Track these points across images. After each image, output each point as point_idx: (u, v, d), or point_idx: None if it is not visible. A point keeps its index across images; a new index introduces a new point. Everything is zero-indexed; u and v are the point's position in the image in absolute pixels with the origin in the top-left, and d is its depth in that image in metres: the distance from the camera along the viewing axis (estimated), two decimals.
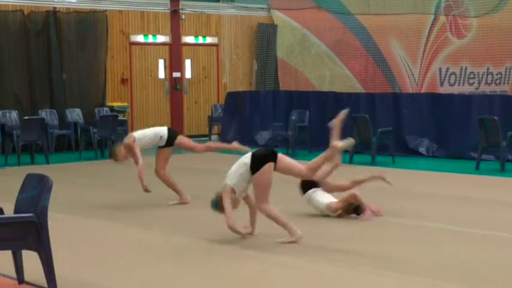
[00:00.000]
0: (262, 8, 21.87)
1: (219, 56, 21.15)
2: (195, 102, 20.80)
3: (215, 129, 19.92)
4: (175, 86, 20.29)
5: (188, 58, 20.70)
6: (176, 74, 20.33)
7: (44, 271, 6.09)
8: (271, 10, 21.89)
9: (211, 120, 19.66)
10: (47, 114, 17.26)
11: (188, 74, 20.71)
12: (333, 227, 8.84)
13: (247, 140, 18.37)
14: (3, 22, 17.21)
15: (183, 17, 20.50)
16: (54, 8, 18.05)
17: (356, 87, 20.63)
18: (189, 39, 20.72)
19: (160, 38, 20.18)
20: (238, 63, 21.46)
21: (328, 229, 8.69)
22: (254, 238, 8.11)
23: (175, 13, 20.32)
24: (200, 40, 20.95)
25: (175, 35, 20.37)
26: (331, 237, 8.22)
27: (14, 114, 16.83)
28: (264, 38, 21.60)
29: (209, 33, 21.07)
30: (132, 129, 19.33)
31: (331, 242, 7.96)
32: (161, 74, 20.20)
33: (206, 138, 19.21)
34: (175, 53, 20.35)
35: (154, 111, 19.92)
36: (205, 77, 21.05)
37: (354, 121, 15.06)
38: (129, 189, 11.24)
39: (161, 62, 20.19)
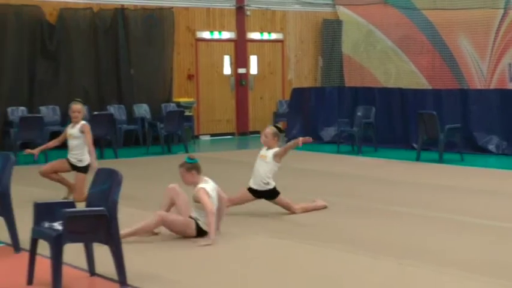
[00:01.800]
0: (328, 3, 21.80)
1: (284, 52, 21.17)
2: (260, 98, 20.86)
3: (280, 125, 19.88)
4: (241, 82, 20.39)
5: (253, 54, 20.77)
6: (241, 70, 20.43)
7: (114, 264, 6.22)
8: (337, 6, 21.81)
9: (276, 116, 19.70)
10: (116, 110, 17.55)
11: (253, 70, 20.79)
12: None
13: (312, 135, 18.35)
14: (73, 20, 17.56)
15: (248, 13, 20.58)
16: (122, 5, 18.33)
17: (422, 83, 20.39)
18: (254, 35, 20.79)
19: (226, 35, 20.30)
20: (304, 59, 21.44)
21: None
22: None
23: (240, 9, 20.41)
24: (265, 36, 21.00)
25: (241, 31, 20.46)
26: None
27: (84, 110, 17.12)
28: (329, 34, 21.53)
29: (274, 30, 21.10)
30: (199, 125, 19.57)
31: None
32: (227, 70, 20.33)
33: None
34: (240, 49, 20.45)
35: (220, 107, 20.06)
36: (271, 73, 21.10)
37: (421, 118, 14.90)
38: None
39: (227, 58, 20.31)
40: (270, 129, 9.32)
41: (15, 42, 16.78)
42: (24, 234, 6.94)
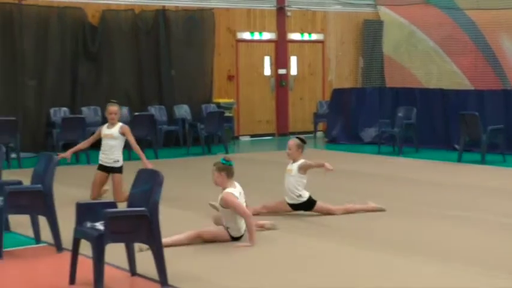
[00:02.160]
0: (369, 4, 21.69)
1: (324, 53, 21.11)
2: (300, 99, 20.83)
3: (320, 126, 19.90)
4: (281, 83, 20.38)
5: (294, 55, 20.74)
6: (282, 71, 20.42)
7: (155, 264, 6.25)
8: (378, 6, 21.69)
9: (317, 117, 19.65)
10: (156, 111, 17.66)
11: (294, 71, 20.76)
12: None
13: (352, 136, 18.36)
14: (115, 21, 17.71)
15: (289, 14, 20.56)
16: (164, 6, 18.43)
17: (465, 84, 20.18)
18: (295, 36, 20.77)
19: (266, 35, 20.31)
20: (344, 60, 21.35)
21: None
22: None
23: (281, 10, 20.40)
24: (306, 37, 20.97)
25: (281, 32, 20.46)
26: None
27: (125, 111, 17.26)
28: (370, 34, 21.41)
29: (315, 30, 21.06)
30: (239, 126, 19.61)
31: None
32: (267, 71, 20.33)
33: (311, 135, 19.23)
34: (280, 50, 20.44)
35: (260, 108, 20.06)
36: (311, 74, 21.05)
37: (462, 119, 14.75)
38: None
39: (267, 59, 20.31)
40: (293, 142, 9.29)
41: (58, 43, 16.96)
42: (67, 234, 7.01)
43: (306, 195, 9.15)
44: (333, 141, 18.47)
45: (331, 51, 21.04)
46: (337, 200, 9.68)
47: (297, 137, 9.50)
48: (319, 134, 19.70)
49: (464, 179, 12.37)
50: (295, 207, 9.22)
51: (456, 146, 15.55)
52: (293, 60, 20.74)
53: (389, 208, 9.56)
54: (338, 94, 19.03)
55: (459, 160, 14.45)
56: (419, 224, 8.75)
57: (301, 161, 9.17)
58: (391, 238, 8.04)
